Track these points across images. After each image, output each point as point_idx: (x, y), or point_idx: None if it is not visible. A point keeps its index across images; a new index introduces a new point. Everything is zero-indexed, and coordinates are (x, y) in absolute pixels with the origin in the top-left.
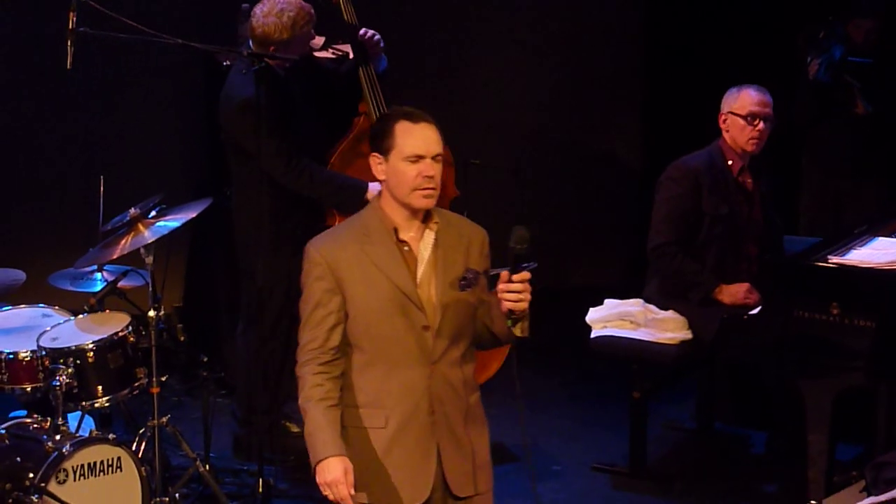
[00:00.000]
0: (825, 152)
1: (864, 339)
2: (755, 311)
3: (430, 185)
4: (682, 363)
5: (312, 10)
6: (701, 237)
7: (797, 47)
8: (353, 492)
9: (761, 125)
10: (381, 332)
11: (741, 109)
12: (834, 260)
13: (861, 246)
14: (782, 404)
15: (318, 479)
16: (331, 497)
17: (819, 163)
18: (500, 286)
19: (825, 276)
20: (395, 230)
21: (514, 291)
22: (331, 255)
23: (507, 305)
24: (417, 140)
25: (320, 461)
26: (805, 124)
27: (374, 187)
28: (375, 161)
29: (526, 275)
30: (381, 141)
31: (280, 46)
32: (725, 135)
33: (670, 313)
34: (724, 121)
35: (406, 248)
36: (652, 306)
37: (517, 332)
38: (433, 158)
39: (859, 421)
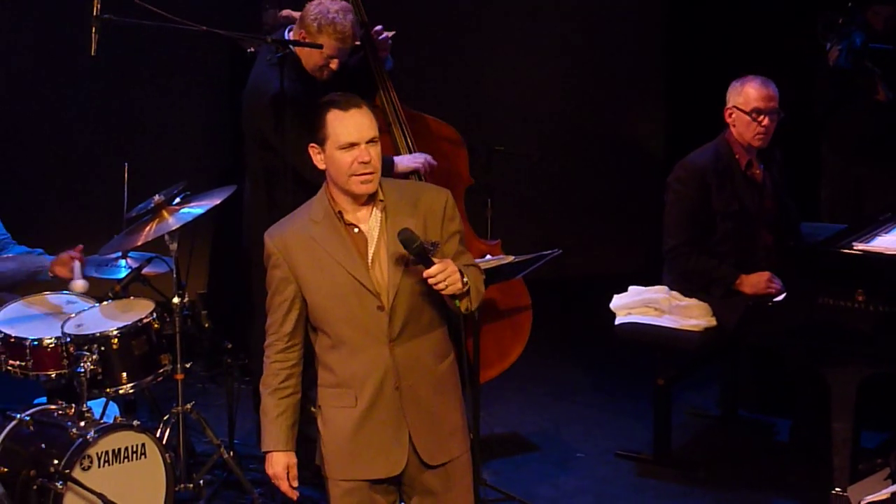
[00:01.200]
0: (845, 139)
1: (890, 326)
2: (779, 298)
3: (368, 171)
4: (706, 350)
5: (352, 42)
6: (715, 234)
7: (816, 33)
8: (295, 484)
9: (766, 121)
10: (338, 316)
11: (745, 105)
12: (859, 247)
13: (886, 233)
14: (806, 391)
15: (265, 468)
16: (275, 485)
17: (839, 149)
18: (430, 282)
19: (850, 263)
20: (341, 214)
21: (440, 281)
22: (283, 243)
23: (445, 293)
24: (349, 127)
25: (268, 452)
26: (824, 111)
27: (399, 161)
28: (314, 151)
29: (437, 267)
30: (316, 132)
31: (306, 34)
32: (732, 129)
33: (694, 300)
34: (730, 115)
35: (356, 230)
36: (676, 293)
37: (462, 308)
38: (368, 143)
39: (884, 408)
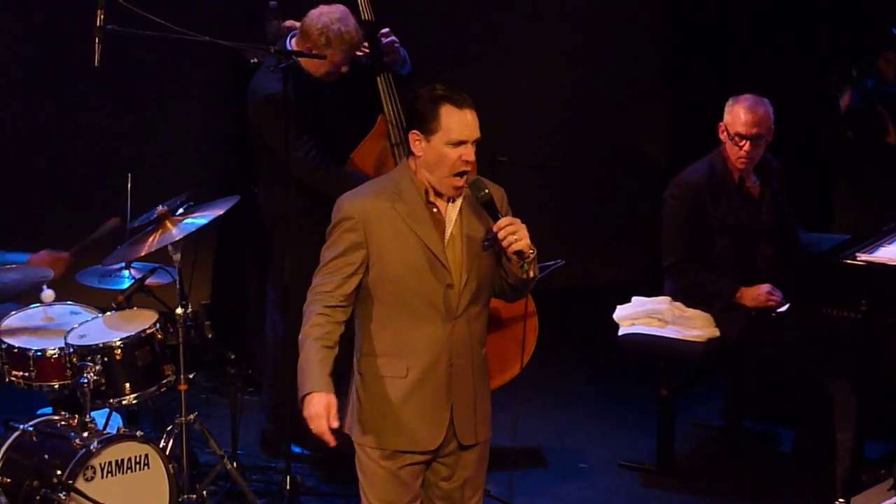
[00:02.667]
0: (860, 182)
1: (893, 337)
2: (783, 309)
3: (467, 169)
4: (709, 361)
5: (360, 45)
6: (713, 249)
7: (830, 84)
8: (334, 425)
9: (748, 146)
10: (408, 287)
11: (731, 127)
12: (863, 257)
13: (889, 243)
14: (809, 402)
15: (303, 411)
16: (313, 428)
17: (854, 196)
18: (500, 235)
19: (854, 274)
20: (426, 192)
21: (510, 233)
22: (363, 209)
23: (513, 247)
24: (462, 126)
25: (307, 394)
26: (840, 157)
27: None
28: (414, 137)
29: (507, 219)
30: (425, 122)
31: (314, 48)
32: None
33: (698, 311)
34: (722, 131)
35: (435, 209)
36: (679, 304)
37: (531, 273)
38: (473, 143)
39: (888, 418)
